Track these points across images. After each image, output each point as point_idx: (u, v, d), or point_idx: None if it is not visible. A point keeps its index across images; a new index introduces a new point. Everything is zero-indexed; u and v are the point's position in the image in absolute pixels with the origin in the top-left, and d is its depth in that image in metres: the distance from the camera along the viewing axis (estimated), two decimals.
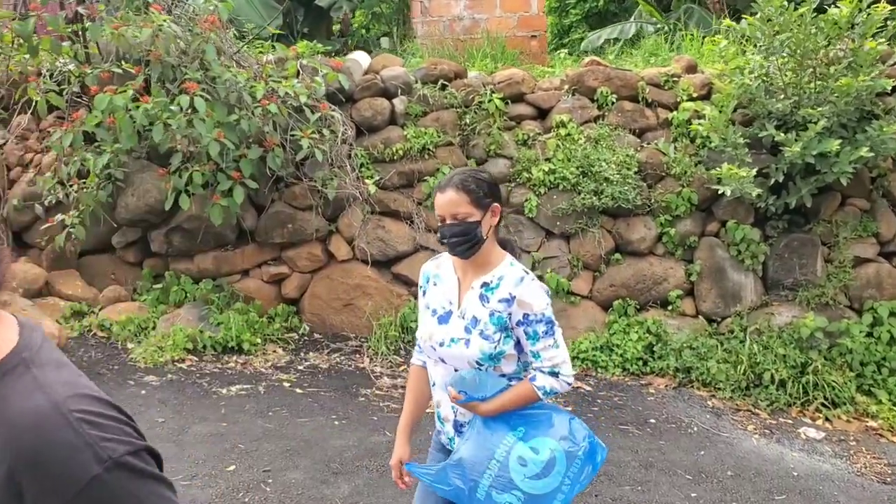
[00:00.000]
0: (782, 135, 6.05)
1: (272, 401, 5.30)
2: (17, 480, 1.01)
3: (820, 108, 5.90)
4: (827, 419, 5.65)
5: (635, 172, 6.46)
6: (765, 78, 6.43)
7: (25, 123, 6.85)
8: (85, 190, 6.01)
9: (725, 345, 6.18)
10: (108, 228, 6.37)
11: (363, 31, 12.63)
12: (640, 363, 6.20)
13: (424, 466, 2.53)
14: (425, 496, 2.66)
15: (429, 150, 6.55)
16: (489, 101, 6.64)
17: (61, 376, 1.11)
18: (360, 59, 7.09)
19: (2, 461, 1.02)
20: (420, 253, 6.49)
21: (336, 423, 5.06)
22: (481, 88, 6.73)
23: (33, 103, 6.32)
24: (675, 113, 6.75)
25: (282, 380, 5.66)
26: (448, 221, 2.46)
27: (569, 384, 2.51)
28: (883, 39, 6.01)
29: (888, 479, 4.87)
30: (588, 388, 5.89)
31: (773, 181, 6.25)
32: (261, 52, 7.01)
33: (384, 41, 11.78)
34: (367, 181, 6.37)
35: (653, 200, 6.50)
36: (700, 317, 6.46)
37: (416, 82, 6.78)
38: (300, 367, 5.91)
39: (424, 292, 2.67)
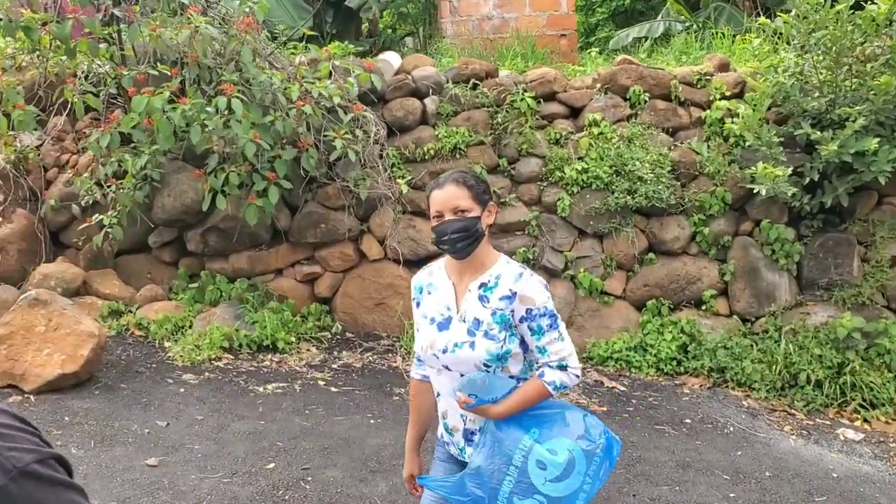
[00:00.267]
0: (818, 133, 6.00)
1: (308, 399, 5.33)
2: None
3: (857, 107, 5.85)
4: (865, 420, 5.60)
5: (669, 171, 6.43)
6: (799, 76, 6.39)
7: (62, 125, 6.93)
8: (122, 190, 6.08)
9: (760, 345, 6.14)
10: (145, 228, 6.45)
11: (389, 31, 12.68)
12: (675, 363, 6.18)
13: (440, 479, 2.50)
14: None
15: (460, 149, 6.56)
16: (521, 100, 6.63)
17: None
18: (392, 59, 7.12)
19: None
20: None
21: (372, 421, 5.09)
22: (513, 87, 6.74)
23: (69, 105, 6.40)
24: (707, 112, 6.71)
25: (316, 378, 5.70)
26: (448, 217, 2.43)
27: (577, 376, 2.48)
28: None
29: None
30: (623, 389, 5.88)
31: (807, 180, 6.20)
32: (293, 54, 7.05)
33: (408, 41, 11.84)
34: (398, 181, 6.39)
35: (686, 200, 6.47)
36: (734, 316, 6.42)
37: (448, 82, 6.79)
38: (334, 366, 5.94)
39: (419, 303, 2.62)
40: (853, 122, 5.79)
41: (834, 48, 6.05)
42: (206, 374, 5.55)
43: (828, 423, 5.58)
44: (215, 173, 6.01)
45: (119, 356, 5.66)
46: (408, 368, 5.93)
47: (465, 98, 6.67)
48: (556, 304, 6.12)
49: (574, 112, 6.92)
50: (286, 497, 4.06)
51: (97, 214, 6.17)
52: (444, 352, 2.46)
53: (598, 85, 6.91)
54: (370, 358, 6.17)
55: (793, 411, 5.71)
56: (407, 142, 6.62)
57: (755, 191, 6.08)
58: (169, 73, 6.08)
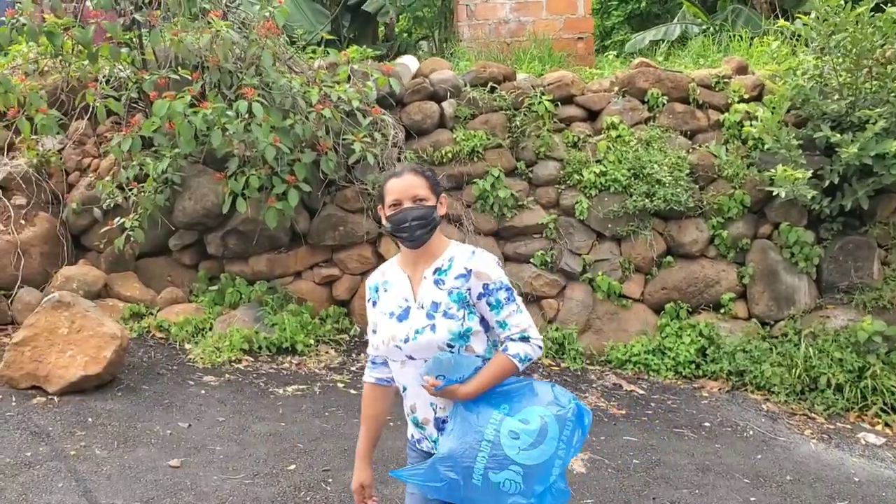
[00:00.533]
0: (837, 136, 5.99)
1: (328, 401, 5.36)
2: None
3: (877, 109, 5.83)
4: (887, 424, 5.58)
5: (687, 174, 6.42)
6: (819, 78, 6.38)
7: (83, 129, 7.00)
8: (143, 194, 6.13)
9: (779, 348, 6.12)
10: (165, 231, 6.50)
11: (405, 35, 12.72)
12: (693, 366, 6.17)
13: (411, 468, 2.46)
14: None
15: (478, 152, 6.57)
16: (539, 103, 6.65)
17: None
18: (409, 63, 7.15)
19: None
20: None
21: (391, 423, 5.08)
22: (530, 91, 6.75)
23: (91, 109, 6.47)
24: (726, 114, 6.70)
25: (335, 380, 5.72)
26: (407, 205, 2.46)
27: (540, 347, 2.47)
28: None
29: None
30: (641, 392, 5.87)
31: (827, 183, 6.18)
32: (311, 58, 7.09)
33: (423, 45, 11.87)
34: None
35: (704, 202, 6.47)
36: (753, 320, 6.40)
37: (465, 85, 6.82)
38: (353, 369, 5.96)
39: (374, 303, 2.63)
40: (873, 124, 5.77)
41: (854, 50, 6.03)
42: (227, 375, 5.58)
43: (848, 427, 5.56)
44: (235, 176, 6.05)
45: (140, 358, 5.70)
46: None
47: (483, 101, 6.69)
48: (573, 307, 6.15)
49: (592, 115, 6.93)
50: (307, 498, 4.09)
51: (119, 217, 6.23)
52: (406, 341, 2.46)
53: (616, 88, 6.92)
54: None
55: (813, 415, 5.69)
56: (425, 145, 6.64)
57: (774, 193, 6.06)
58: (190, 78, 6.14)
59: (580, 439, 2.44)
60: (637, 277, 6.54)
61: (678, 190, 6.32)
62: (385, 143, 6.38)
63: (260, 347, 6.00)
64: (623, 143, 6.61)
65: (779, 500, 4.46)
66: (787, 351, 6.04)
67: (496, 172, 6.49)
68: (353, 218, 6.53)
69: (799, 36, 6.83)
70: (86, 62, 6.46)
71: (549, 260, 6.48)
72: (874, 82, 6.14)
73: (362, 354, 6.23)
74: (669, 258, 6.51)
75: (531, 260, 6.49)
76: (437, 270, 2.49)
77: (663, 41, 9.87)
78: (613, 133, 6.65)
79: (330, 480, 4.29)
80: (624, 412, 5.53)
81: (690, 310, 6.45)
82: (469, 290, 2.43)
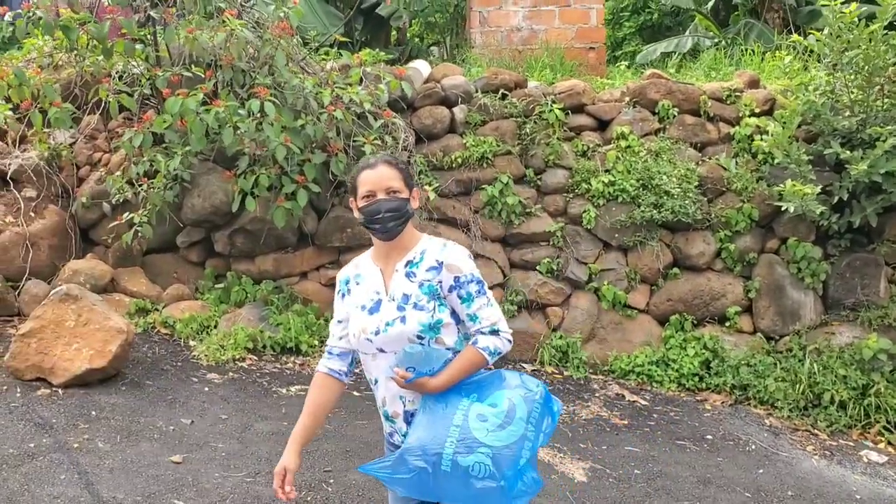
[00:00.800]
0: (848, 152, 5.99)
1: None
2: None
3: (888, 127, 5.83)
4: (890, 443, 5.56)
5: (696, 186, 6.42)
6: (830, 94, 6.38)
7: (95, 123, 7.03)
8: (153, 190, 6.15)
9: (783, 363, 6.10)
10: (173, 228, 6.52)
11: (417, 39, 12.75)
12: (696, 379, 6.16)
13: (378, 462, 2.43)
14: None
15: (487, 158, 6.58)
16: (549, 111, 6.66)
17: None
18: (421, 67, 7.17)
19: None
20: (475, 260, 6.48)
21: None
22: (541, 98, 6.76)
23: (104, 104, 6.49)
24: (736, 128, 6.70)
25: None
26: (380, 196, 2.47)
27: (510, 341, 2.50)
28: None
29: None
30: (644, 403, 5.87)
31: (836, 199, 6.18)
32: (323, 59, 7.12)
33: (434, 50, 11.90)
34: (425, 188, 6.42)
35: (712, 215, 6.47)
36: (758, 334, 6.39)
37: (477, 91, 6.83)
38: (356, 371, 5.95)
39: (343, 295, 2.64)
40: (884, 142, 5.77)
41: (867, 68, 6.03)
42: (231, 374, 5.59)
43: (851, 444, 5.55)
44: (245, 175, 6.07)
45: (145, 353, 5.72)
46: None
47: (494, 108, 6.71)
48: (578, 315, 6.14)
49: (602, 125, 6.94)
50: (308, 499, 4.09)
51: (127, 213, 6.25)
52: (377, 333, 2.47)
53: (627, 98, 6.93)
54: None
55: (816, 431, 5.68)
56: (435, 149, 6.66)
57: (783, 208, 6.06)
58: (203, 76, 6.17)
59: (550, 426, 2.45)
60: (643, 288, 6.54)
61: (686, 202, 6.32)
62: (395, 146, 6.40)
63: (264, 347, 6.01)
64: (632, 154, 6.61)
65: None
66: (792, 366, 6.03)
67: (505, 179, 6.50)
68: None
69: (811, 51, 6.84)
70: (100, 57, 6.48)
71: (555, 268, 6.48)
72: (886, 100, 6.14)
73: None
74: (676, 270, 6.50)
75: (537, 267, 6.49)
76: (409, 263, 2.51)
77: (675, 53, 9.90)
78: (623, 143, 6.65)
79: (331, 481, 4.30)
80: (626, 422, 5.53)
81: (695, 322, 6.44)
82: (440, 282, 2.45)
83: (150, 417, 4.76)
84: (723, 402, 5.99)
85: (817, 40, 6.31)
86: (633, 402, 5.87)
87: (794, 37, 6.66)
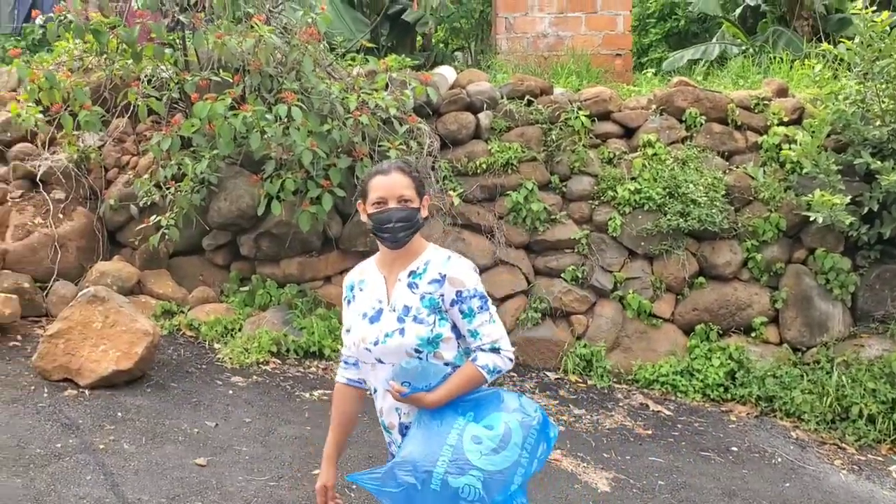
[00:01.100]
0: (878, 163, 5.92)
1: None
2: None
3: None
4: None
5: (723, 195, 6.37)
6: (861, 104, 6.31)
7: (123, 126, 7.09)
8: (180, 193, 6.19)
9: (810, 375, 6.03)
10: (199, 231, 6.56)
11: (441, 45, 12.76)
12: (722, 389, 6.10)
13: (369, 472, 2.41)
14: None
15: (512, 164, 6.57)
16: (575, 118, 6.63)
17: None
18: (447, 73, 7.17)
19: None
20: (499, 267, 6.49)
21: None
22: (567, 105, 6.74)
23: (132, 107, 6.55)
24: (764, 137, 6.65)
25: None
26: (392, 205, 2.42)
27: (511, 360, 2.45)
28: None
29: None
30: (668, 413, 5.82)
31: (865, 210, 6.11)
32: (350, 65, 7.14)
33: (458, 56, 11.91)
34: (450, 193, 6.42)
35: (739, 224, 6.41)
36: (784, 345, 6.33)
37: (502, 97, 6.83)
38: None
39: (349, 302, 2.61)
40: None
41: None
42: (254, 377, 5.61)
43: (880, 459, 5.46)
44: (271, 179, 6.10)
45: (170, 356, 5.75)
46: None
47: (520, 114, 6.70)
48: (602, 324, 6.11)
49: (628, 132, 6.90)
50: None
51: (155, 215, 6.30)
52: (376, 343, 2.44)
53: (654, 106, 6.89)
54: None
55: (844, 445, 5.60)
56: (459, 155, 6.66)
57: (811, 218, 5.99)
58: (231, 80, 6.21)
59: (545, 452, 2.41)
60: (668, 297, 6.49)
61: (713, 211, 6.27)
62: (420, 151, 6.41)
63: (288, 350, 6.03)
64: (659, 162, 6.57)
65: None
66: (819, 378, 5.96)
67: (530, 185, 6.49)
68: None
69: (841, 60, 6.77)
70: (130, 61, 6.56)
71: (579, 276, 6.45)
72: None
73: None
74: (701, 279, 6.45)
75: (562, 275, 6.47)
76: (412, 273, 2.47)
77: (701, 61, 9.83)
78: (649, 151, 6.62)
79: (353, 487, 4.29)
80: (650, 432, 5.48)
81: (721, 332, 6.38)
82: (442, 296, 2.41)
83: (175, 420, 4.79)
84: (748, 414, 5.93)
85: (848, 49, 6.25)
86: (658, 412, 5.82)
87: (824, 45, 6.59)
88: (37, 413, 4.62)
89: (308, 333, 6.10)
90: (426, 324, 2.39)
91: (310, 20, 6.37)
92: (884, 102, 6.17)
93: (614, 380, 6.26)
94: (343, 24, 8.65)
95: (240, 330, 6.15)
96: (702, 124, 6.75)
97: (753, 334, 6.34)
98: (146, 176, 6.50)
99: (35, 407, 4.69)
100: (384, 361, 2.45)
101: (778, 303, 6.35)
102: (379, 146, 6.30)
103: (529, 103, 6.77)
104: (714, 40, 11.03)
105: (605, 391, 6.10)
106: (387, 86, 6.58)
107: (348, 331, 2.58)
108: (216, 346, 6.01)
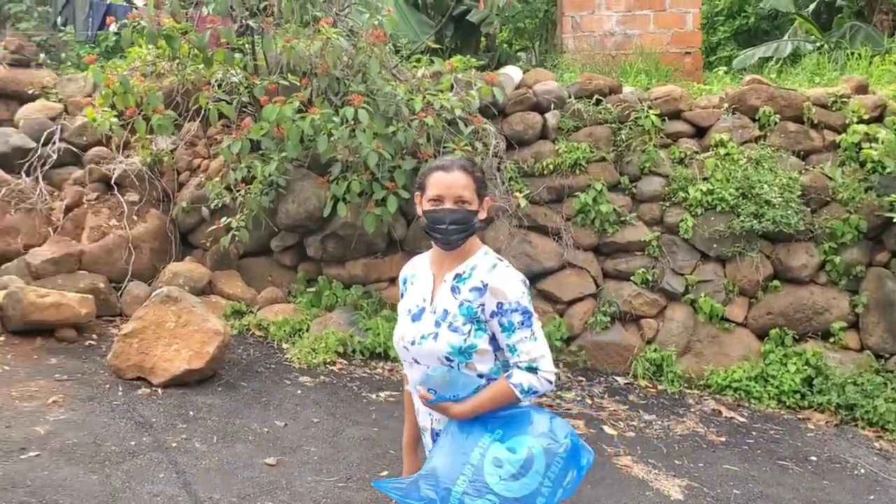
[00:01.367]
0: None
1: None
2: None
3: None
4: None
5: (798, 196, 6.16)
6: None
7: (195, 130, 7.23)
8: (249, 195, 6.27)
9: (895, 383, 5.78)
10: (268, 232, 6.64)
11: (505, 46, 12.70)
12: (798, 396, 5.89)
13: (394, 481, 2.36)
14: None
15: (580, 165, 6.47)
16: (645, 117, 6.50)
17: None
18: (513, 73, 7.11)
19: None
20: (567, 270, 6.40)
21: None
22: (637, 104, 6.61)
23: (203, 111, 6.67)
24: (843, 135, 6.41)
25: None
26: (448, 205, 2.32)
27: (550, 382, 2.30)
28: None
29: None
30: (742, 419, 5.64)
31: None
32: (414, 67, 7.14)
33: (522, 56, 11.82)
34: (516, 195, 6.36)
35: (816, 226, 6.19)
36: (866, 351, 6.08)
37: (570, 97, 6.73)
38: None
39: (402, 295, 2.56)
40: None
41: None
42: (322, 377, 5.64)
43: None
44: (338, 181, 6.14)
45: (240, 355, 5.82)
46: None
47: (588, 113, 6.59)
48: (673, 328, 5.95)
49: (699, 131, 6.73)
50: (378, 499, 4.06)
51: (225, 217, 6.40)
52: (413, 343, 2.38)
53: (726, 104, 6.71)
54: None
55: None
56: (526, 156, 6.59)
57: (894, 220, 5.75)
58: (299, 84, 6.27)
59: (574, 481, 2.28)
60: (741, 300, 6.30)
61: (788, 212, 6.07)
62: (486, 152, 6.36)
63: (354, 351, 6.05)
64: (732, 162, 6.39)
65: None
66: None
67: (598, 186, 6.38)
68: None
69: None
70: (201, 66, 6.67)
71: (650, 278, 6.31)
72: None
73: None
74: (776, 282, 6.25)
75: (631, 278, 6.34)
76: (457, 277, 2.38)
77: (773, 58, 9.55)
78: (722, 150, 6.44)
79: None
80: (723, 440, 5.32)
81: (797, 337, 6.16)
82: (482, 305, 2.31)
83: (245, 419, 4.83)
84: (827, 422, 5.71)
85: None
86: (731, 418, 5.65)
87: None
88: (112, 411, 4.71)
89: (374, 335, 6.11)
90: (460, 332, 2.30)
91: (376, 23, 6.39)
92: None
93: (685, 385, 6.11)
94: (408, 27, 8.67)
95: (307, 330, 6.20)
96: (776, 123, 6.54)
97: (832, 340, 6.11)
98: (217, 178, 6.62)
99: (110, 405, 4.79)
100: (419, 362, 2.39)
101: (858, 307, 6.12)
102: (444, 147, 6.27)
103: (598, 102, 6.66)
104: (786, 37, 10.71)
105: (676, 396, 5.95)
106: (452, 87, 6.56)
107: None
108: (284, 346, 6.07)
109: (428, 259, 2.53)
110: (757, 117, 6.60)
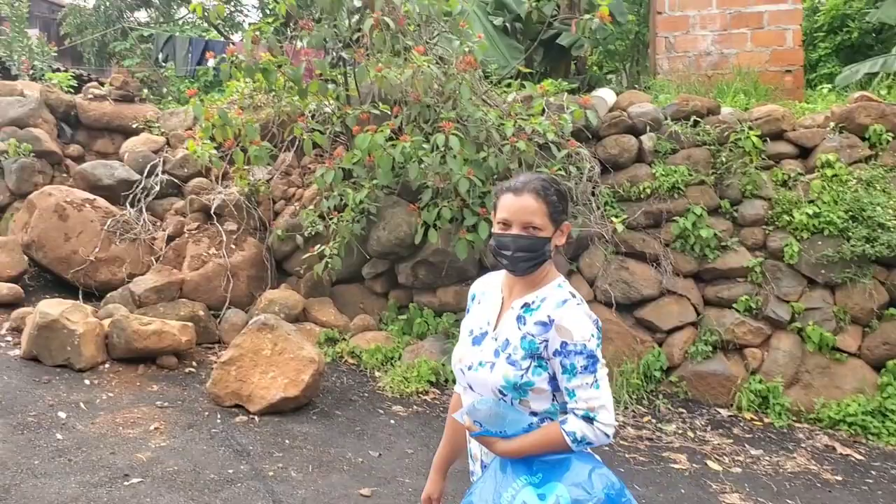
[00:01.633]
0: None
1: None
2: None
3: None
4: None
5: None
6: None
7: (289, 160, 7.38)
8: (342, 223, 6.33)
9: None
10: (360, 260, 6.68)
11: (595, 68, 12.57)
12: None
13: None
14: None
15: (678, 188, 6.27)
16: (745, 138, 6.26)
17: None
18: (606, 95, 6.98)
19: None
20: (666, 297, 6.19)
21: None
22: (736, 125, 6.38)
23: (297, 141, 6.79)
24: None
25: None
26: (515, 231, 2.16)
27: (607, 435, 2.09)
28: None
29: None
30: (859, 457, 5.29)
31: None
32: (504, 92, 7.10)
33: (612, 78, 11.65)
34: (612, 220, 6.20)
35: None
36: None
37: (666, 119, 6.55)
38: None
39: (468, 311, 2.40)
40: None
41: None
42: (415, 406, 5.59)
43: None
44: (428, 208, 6.13)
45: (334, 383, 5.84)
46: (617, 419, 5.68)
47: (685, 135, 6.40)
48: (779, 357, 5.65)
49: (804, 152, 6.44)
50: None
51: (319, 245, 6.47)
52: (470, 368, 2.23)
53: (832, 123, 6.40)
54: None
55: None
56: (621, 180, 6.43)
57: None
58: (390, 112, 6.31)
59: None
60: (853, 329, 5.95)
61: None
62: (580, 176, 6.25)
63: (446, 380, 5.98)
64: (840, 183, 6.07)
65: None
66: None
67: (698, 210, 6.16)
68: None
69: None
70: (296, 97, 6.81)
71: (753, 306, 6.03)
72: None
73: None
74: (892, 310, 5.87)
75: (734, 305, 6.07)
76: (525, 307, 2.21)
77: (880, 74, 9.09)
78: (829, 172, 6.13)
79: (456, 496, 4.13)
80: (840, 478, 5.00)
81: None
82: (545, 342, 2.13)
83: (340, 448, 4.82)
84: None
85: None
86: (846, 455, 5.31)
87: None
88: (211, 438, 4.77)
89: None
90: (518, 367, 2.13)
91: (466, 49, 6.38)
92: None
93: (794, 418, 5.79)
94: (497, 52, 8.65)
95: (399, 358, 6.18)
96: (888, 142, 6.20)
97: None
98: (310, 207, 6.71)
99: (209, 432, 4.85)
100: (474, 389, 2.25)
101: None
102: (536, 172, 6.18)
103: (695, 124, 6.46)
104: (894, 51, 10.20)
105: (785, 431, 5.64)
106: (544, 111, 6.48)
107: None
108: (377, 374, 6.05)
109: (500, 279, 2.37)
110: (866, 136, 6.27)
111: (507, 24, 9.36)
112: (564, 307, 2.13)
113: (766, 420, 5.76)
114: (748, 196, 6.26)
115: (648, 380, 6.06)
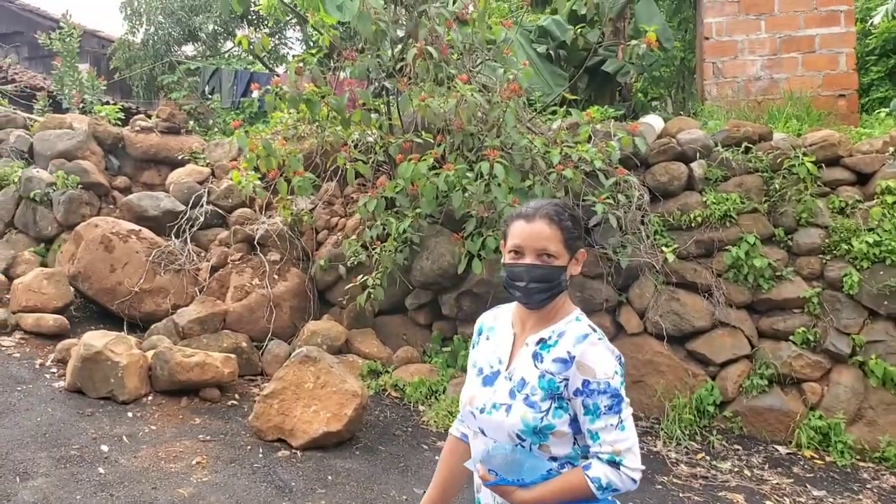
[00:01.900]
0: None
1: None
2: None
3: None
4: None
5: None
6: None
7: (332, 190, 7.35)
8: (385, 252, 6.26)
9: None
10: (403, 290, 6.59)
11: (641, 95, 12.41)
12: None
13: None
14: None
15: (730, 217, 6.09)
16: (799, 164, 6.06)
17: None
18: (654, 122, 6.83)
19: None
20: (719, 329, 5.98)
21: None
22: (790, 151, 6.18)
23: (340, 171, 6.75)
24: None
25: None
26: (529, 260, 2.02)
27: (634, 481, 1.94)
28: None
29: None
30: None
31: None
32: (549, 119, 7.00)
33: (656, 105, 11.47)
34: (662, 249, 6.03)
35: None
36: None
37: (716, 145, 6.39)
38: None
39: (474, 347, 2.22)
40: None
41: None
42: None
43: None
44: (472, 237, 6.02)
45: (377, 417, 5.73)
46: (670, 455, 5.48)
47: (737, 162, 6.22)
48: (840, 393, 5.42)
49: (861, 178, 6.20)
50: None
51: (361, 275, 6.40)
52: (482, 411, 2.05)
53: (891, 148, 6.16)
54: None
55: None
56: (671, 208, 6.27)
57: None
58: (433, 141, 6.24)
59: None
60: None
61: None
62: (629, 204, 6.09)
63: None
64: None
65: None
66: None
67: (751, 239, 5.96)
68: (591, 283, 6.25)
69: None
70: (339, 128, 6.78)
71: (811, 338, 5.79)
72: None
73: None
74: None
75: (790, 337, 5.84)
76: (541, 343, 2.06)
77: None
78: (889, 198, 5.89)
79: None
80: None
81: None
82: (566, 380, 1.97)
83: (384, 485, 4.69)
84: None
85: None
86: None
87: None
88: (252, 473, 4.69)
89: None
90: (537, 409, 1.98)
91: (511, 77, 6.30)
92: None
93: (857, 457, 5.52)
94: (541, 79, 8.57)
95: (444, 392, 6.05)
96: None
97: None
98: (353, 236, 6.66)
99: (251, 467, 4.76)
100: (486, 434, 2.08)
101: None
102: (583, 200, 6.05)
103: (747, 150, 6.28)
104: None
105: (848, 470, 5.37)
106: (590, 138, 6.35)
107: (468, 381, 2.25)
108: (420, 408, 5.93)
109: (510, 313, 2.21)
110: None
111: (551, 52, 9.26)
112: (585, 342, 1.99)
113: (827, 458, 5.49)
114: (803, 224, 6.05)
115: (701, 415, 5.84)
